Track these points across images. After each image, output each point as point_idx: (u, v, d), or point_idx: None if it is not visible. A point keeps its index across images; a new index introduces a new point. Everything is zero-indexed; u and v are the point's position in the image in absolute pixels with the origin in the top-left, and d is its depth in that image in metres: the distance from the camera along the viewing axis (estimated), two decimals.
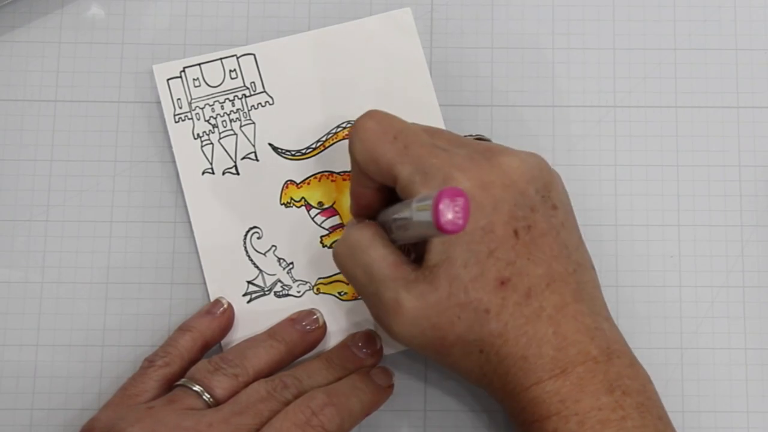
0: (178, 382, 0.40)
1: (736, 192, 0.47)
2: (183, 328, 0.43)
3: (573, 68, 0.48)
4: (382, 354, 0.43)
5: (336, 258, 0.40)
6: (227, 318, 0.44)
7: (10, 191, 0.46)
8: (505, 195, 0.36)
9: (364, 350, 0.42)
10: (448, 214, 0.30)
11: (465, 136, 0.41)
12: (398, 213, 0.36)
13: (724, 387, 0.45)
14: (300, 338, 0.42)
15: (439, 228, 0.30)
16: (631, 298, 0.46)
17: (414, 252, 0.39)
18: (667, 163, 0.47)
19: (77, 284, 0.45)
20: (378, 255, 0.38)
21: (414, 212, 0.33)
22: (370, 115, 0.39)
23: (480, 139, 0.43)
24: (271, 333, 0.42)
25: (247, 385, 0.40)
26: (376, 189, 0.39)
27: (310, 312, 0.43)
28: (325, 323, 0.43)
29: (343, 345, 0.43)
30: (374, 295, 0.38)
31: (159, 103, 0.46)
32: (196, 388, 0.39)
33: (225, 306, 0.44)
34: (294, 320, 0.43)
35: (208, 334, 0.43)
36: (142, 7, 0.48)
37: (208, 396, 0.39)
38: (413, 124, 0.39)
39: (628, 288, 0.46)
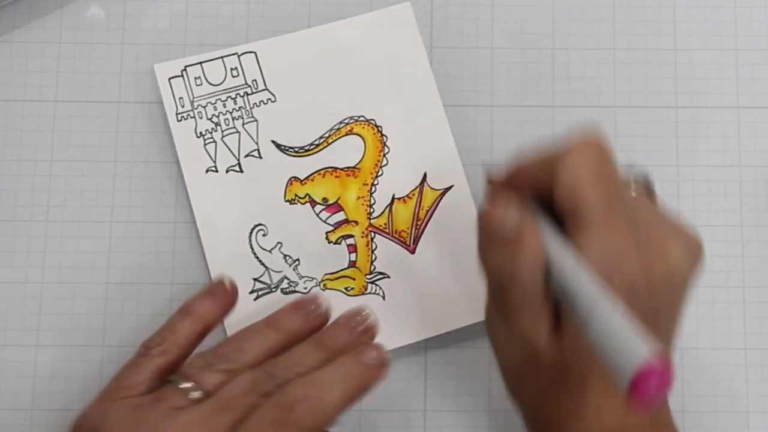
0: (170, 378, 0.39)
1: (736, 192, 0.47)
2: (183, 312, 0.41)
3: (573, 68, 0.48)
4: (377, 330, 0.41)
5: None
6: (230, 299, 0.42)
7: (10, 191, 0.46)
8: (662, 291, 0.36)
9: (356, 328, 0.41)
10: (650, 390, 0.28)
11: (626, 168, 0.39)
12: (581, 290, 0.33)
13: (724, 387, 0.45)
14: (300, 326, 0.41)
15: (631, 397, 0.28)
16: None
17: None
18: (667, 164, 0.47)
19: (77, 284, 0.45)
20: (531, 320, 0.36)
21: (607, 338, 0.31)
22: (597, 148, 0.37)
23: (646, 186, 0.40)
24: (270, 321, 0.41)
25: None
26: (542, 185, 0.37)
27: (314, 297, 0.42)
28: (327, 309, 0.42)
29: (334, 324, 0.41)
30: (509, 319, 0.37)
31: (159, 103, 0.46)
32: (185, 385, 0.38)
33: (227, 286, 0.42)
34: (297, 305, 0.42)
35: (209, 318, 0.41)
36: (141, 7, 0.48)
37: (200, 393, 0.38)
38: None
39: None
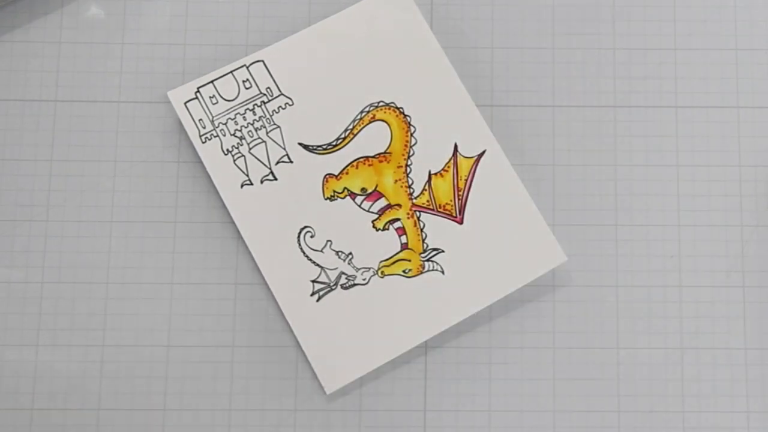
0: None
1: (736, 192, 0.47)
2: None
3: (573, 68, 0.48)
4: None
5: None
6: None
7: (10, 191, 0.46)
8: None
9: None
10: None
11: None
12: None
13: (724, 387, 0.45)
14: None
15: None
16: (632, 298, 0.46)
17: None
18: (667, 163, 0.47)
19: (77, 284, 0.45)
20: None
21: None
22: None
23: None
24: None
25: None
26: None
27: None
28: None
29: None
30: None
31: (160, 102, 0.46)
32: None
33: None
34: None
35: None
36: (141, 7, 0.48)
37: None
38: None
39: (628, 288, 0.46)
